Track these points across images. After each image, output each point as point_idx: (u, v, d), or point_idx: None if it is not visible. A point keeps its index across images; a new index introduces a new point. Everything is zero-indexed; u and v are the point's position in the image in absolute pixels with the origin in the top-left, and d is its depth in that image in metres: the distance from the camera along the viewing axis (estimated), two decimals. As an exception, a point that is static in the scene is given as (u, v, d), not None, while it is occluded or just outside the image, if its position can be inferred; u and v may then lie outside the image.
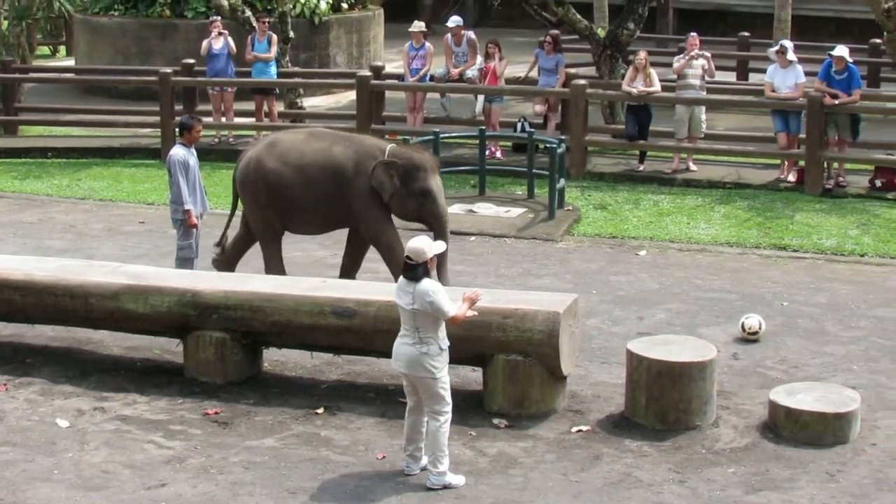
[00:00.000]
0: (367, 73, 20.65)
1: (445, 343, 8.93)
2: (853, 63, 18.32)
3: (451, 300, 8.86)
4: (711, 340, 11.08)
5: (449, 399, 8.96)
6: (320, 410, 10.25)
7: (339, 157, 12.57)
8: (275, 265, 12.89)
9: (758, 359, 11.49)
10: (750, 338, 11.94)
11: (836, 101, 17.79)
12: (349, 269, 13.09)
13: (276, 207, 12.71)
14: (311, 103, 23.41)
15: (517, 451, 9.50)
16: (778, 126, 18.45)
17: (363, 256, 13.17)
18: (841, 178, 18.09)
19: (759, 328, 11.97)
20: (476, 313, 9.22)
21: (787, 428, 9.71)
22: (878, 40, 22.62)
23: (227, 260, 13.16)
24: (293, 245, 15.17)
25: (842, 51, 18.04)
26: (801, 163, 18.13)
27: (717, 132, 20.07)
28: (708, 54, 19.28)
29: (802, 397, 9.86)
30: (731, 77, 24.07)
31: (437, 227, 12.65)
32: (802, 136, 18.12)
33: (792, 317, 12.66)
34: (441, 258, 12.25)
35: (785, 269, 14.44)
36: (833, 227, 15.98)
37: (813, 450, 9.50)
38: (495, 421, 10.02)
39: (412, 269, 8.87)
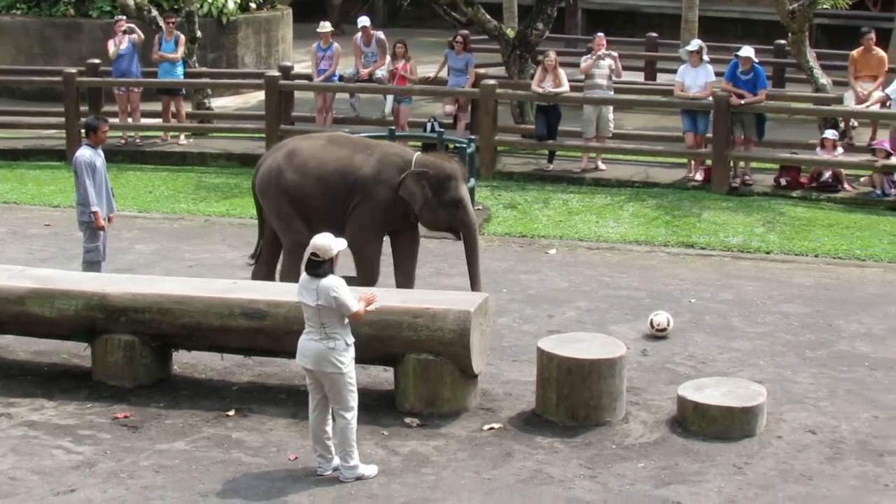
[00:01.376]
0: (276, 73, 20.59)
1: (351, 339, 8.95)
2: (759, 63, 18.57)
3: (354, 299, 8.88)
4: (621, 337, 11.18)
5: (355, 396, 8.98)
6: (231, 413, 10.20)
7: (360, 166, 12.30)
8: (291, 277, 12.13)
9: (666, 355, 11.62)
10: (658, 334, 12.07)
11: (742, 101, 18.04)
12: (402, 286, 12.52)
13: (301, 216, 12.36)
14: (219, 104, 23.28)
15: (429, 450, 9.53)
16: (686, 125, 18.67)
17: (414, 266, 12.73)
18: (747, 177, 18.33)
19: (668, 325, 12.10)
20: (374, 309, 9.24)
21: (696, 422, 9.83)
22: (783, 41, 22.93)
23: (265, 271, 12.78)
24: (202, 247, 15.14)
25: (748, 51, 18.30)
26: (708, 162, 18.35)
27: (625, 132, 20.26)
28: (615, 54, 19.45)
29: (710, 392, 9.99)
30: (639, 77, 24.30)
31: (468, 236, 12.49)
32: (709, 135, 18.35)
33: (699, 313, 12.82)
34: (473, 263, 12.34)
35: (692, 267, 14.61)
36: (739, 225, 16.20)
37: (721, 443, 9.63)
38: (407, 420, 10.04)
39: (318, 266, 8.88)
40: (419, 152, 12.75)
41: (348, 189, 12.22)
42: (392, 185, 12.14)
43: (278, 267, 12.71)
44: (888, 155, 17.74)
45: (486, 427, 9.95)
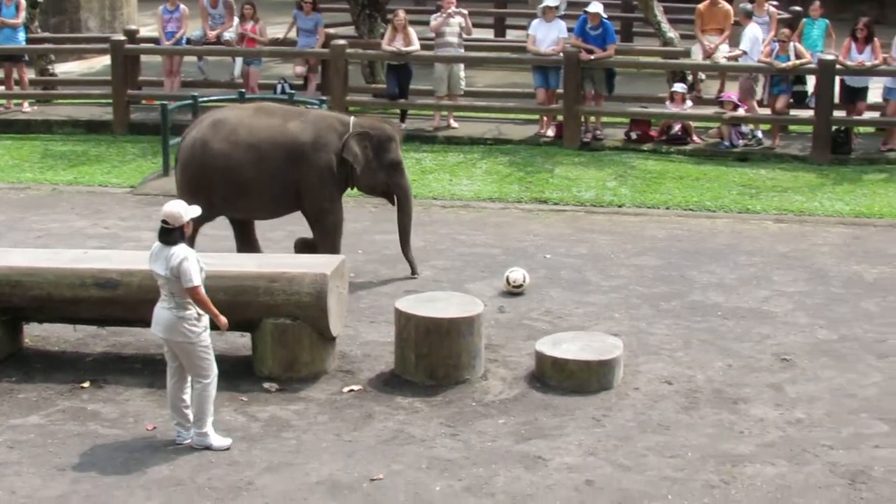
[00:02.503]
0: (121, 37, 20.18)
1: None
2: (607, 19, 18.72)
3: (198, 273, 8.70)
4: (478, 295, 11.23)
5: (212, 364, 8.87)
6: (86, 384, 10.02)
7: (296, 133, 12.00)
8: None
9: (523, 311, 11.70)
10: (515, 291, 12.14)
11: (592, 57, 18.16)
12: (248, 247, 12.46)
13: (221, 194, 11.91)
14: (63, 69, 22.74)
15: (289, 414, 9.47)
16: (537, 82, 18.74)
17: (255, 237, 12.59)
18: (598, 132, 18.49)
19: (524, 281, 12.18)
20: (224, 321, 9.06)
21: (554, 377, 9.92)
22: (631, -5, 23.16)
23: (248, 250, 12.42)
24: (50, 217, 14.84)
25: (596, 7, 18.43)
26: (560, 117, 18.47)
27: (477, 89, 20.30)
28: (465, 12, 19.43)
29: (567, 347, 10.09)
30: (489, 34, 24.35)
31: (403, 200, 12.46)
32: (560, 91, 18.46)
33: (554, 269, 12.92)
34: (405, 228, 12.41)
35: (546, 222, 14.72)
36: (591, 180, 16.35)
37: (579, 397, 9.73)
38: (266, 385, 9.96)
39: (169, 233, 8.73)
40: (354, 115, 12.63)
41: (284, 158, 11.92)
42: (333, 149, 11.98)
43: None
44: (736, 107, 18.05)
45: (345, 389, 9.92)
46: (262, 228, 12.91)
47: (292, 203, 12.20)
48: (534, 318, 11.53)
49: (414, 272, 12.62)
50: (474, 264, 12.98)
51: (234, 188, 11.94)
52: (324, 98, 18.05)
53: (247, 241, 12.51)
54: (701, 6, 19.59)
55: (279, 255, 12.03)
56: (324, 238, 12.19)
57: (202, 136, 12.01)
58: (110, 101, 19.51)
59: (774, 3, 20.26)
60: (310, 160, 11.93)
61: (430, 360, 9.95)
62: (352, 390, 9.91)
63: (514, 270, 12.28)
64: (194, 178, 11.98)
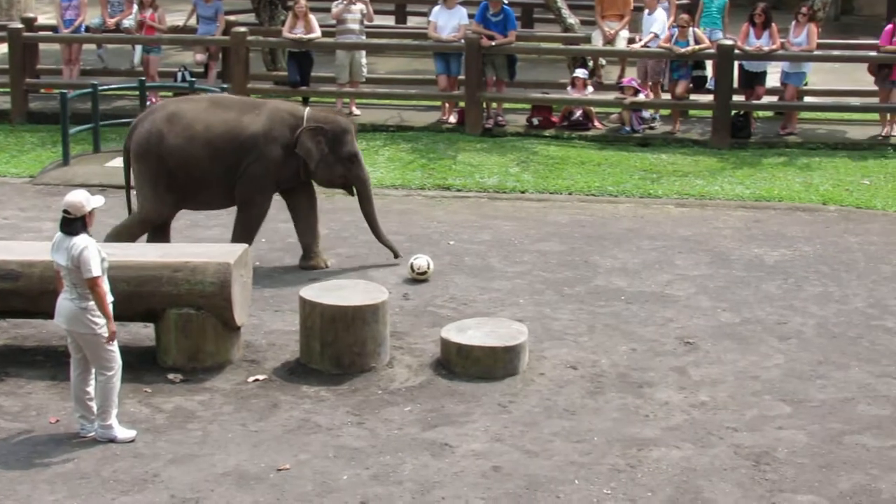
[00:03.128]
0: (19, 24, 19.85)
1: (108, 298, 8.71)
2: (508, 5, 18.75)
3: (99, 264, 8.58)
4: (382, 283, 11.22)
5: (115, 355, 8.75)
6: (-14, 377, 9.87)
7: (249, 125, 11.96)
8: (127, 240, 11.80)
9: (428, 298, 11.70)
10: (419, 278, 12.13)
11: (493, 43, 18.19)
12: (308, 242, 12.53)
13: (179, 186, 11.92)
14: (-42, 58, 22.33)
15: (194, 405, 9.39)
16: (439, 68, 18.74)
17: (316, 219, 12.55)
18: (500, 118, 18.53)
19: (428, 268, 12.18)
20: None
21: (459, 364, 9.93)
22: (531, -18, 23.23)
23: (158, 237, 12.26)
24: (-53, 207, 14.56)
25: (497, -7, 18.45)
26: (462, 104, 18.48)
27: (379, 76, 20.27)
28: (367, -2, 19.38)
29: (473, 333, 10.10)
30: (390, 21, 24.29)
31: (363, 191, 12.45)
32: (462, 77, 18.47)
33: (459, 255, 12.93)
34: (372, 217, 12.49)
35: (450, 209, 14.73)
36: (494, 166, 16.39)
37: (485, 383, 9.75)
38: (170, 376, 9.87)
39: (70, 223, 8.61)
40: (308, 108, 12.57)
41: (238, 150, 11.90)
42: (284, 143, 11.95)
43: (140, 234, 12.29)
44: (636, 92, 18.20)
45: (250, 379, 9.86)
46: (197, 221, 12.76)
47: None
48: (439, 305, 11.53)
49: (396, 255, 12.68)
50: (378, 252, 12.93)
51: (193, 182, 11.97)
52: (224, 86, 17.89)
53: (161, 235, 12.36)
54: (607, -9, 19.68)
55: (182, 244, 11.92)
56: (243, 227, 12.22)
57: (157, 129, 11.94)
58: (8, 90, 19.17)
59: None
60: (260, 151, 11.94)
61: (336, 348, 9.91)
62: (257, 380, 9.85)
63: (418, 258, 12.28)
64: (152, 171, 11.96)
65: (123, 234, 12.02)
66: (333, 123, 12.20)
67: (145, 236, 12.25)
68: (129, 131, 12.26)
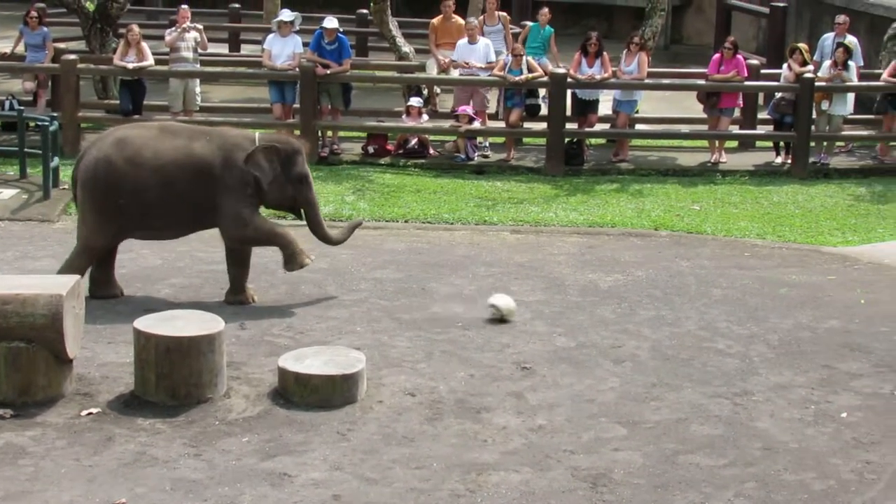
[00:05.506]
0: None
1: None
2: (343, 33, 18.78)
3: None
4: (218, 313, 11.06)
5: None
6: None
7: (203, 154, 11.72)
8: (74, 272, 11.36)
9: (265, 327, 11.60)
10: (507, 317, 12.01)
11: (328, 71, 18.18)
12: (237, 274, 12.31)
13: (126, 214, 11.67)
14: None
15: (25, 441, 9.15)
16: (274, 97, 18.67)
17: (249, 250, 12.36)
18: (335, 146, 18.52)
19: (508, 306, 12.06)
20: None
21: (297, 393, 9.86)
22: (365, 11, 23.30)
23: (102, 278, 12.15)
24: None
25: (332, 22, 18.48)
26: (297, 132, 18.41)
27: (213, 104, 20.11)
28: (200, 27, 19.24)
29: (310, 362, 10.03)
30: (224, 49, 24.15)
31: (311, 214, 12.33)
32: (297, 106, 18.42)
33: (295, 284, 12.85)
34: (326, 236, 12.56)
35: (287, 238, 14.61)
36: (330, 194, 16.35)
37: (324, 412, 9.69)
38: (0, 411, 9.61)
39: None
40: (259, 131, 12.45)
41: (192, 180, 11.70)
42: (240, 167, 11.80)
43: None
44: (471, 120, 18.33)
45: (84, 412, 9.65)
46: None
47: (201, 222, 12.15)
48: (276, 334, 11.44)
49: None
50: (213, 282, 12.79)
51: (141, 210, 11.77)
52: (54, 115, 17.58)
53: (106, 267, 12.28)
54: (434, 21, 19.88)
55: (12, 275, 11.64)
56: (273, 241, 12.24)
57: (105, 156, 11.73)
58: None
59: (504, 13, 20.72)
60: (222, 183, 11.80)
61: (171, 379, 9.76)
62: (90, 413, 9.65)
63: (501, 297, 12.13)
64: (100, 199, 11.76)
65: (70, 268, 11.79)
66: (286, 144, 12.16)
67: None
68: (77, 160, 12.12)
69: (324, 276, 13.11)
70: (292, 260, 12.18)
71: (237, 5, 26.35)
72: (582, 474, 8.83)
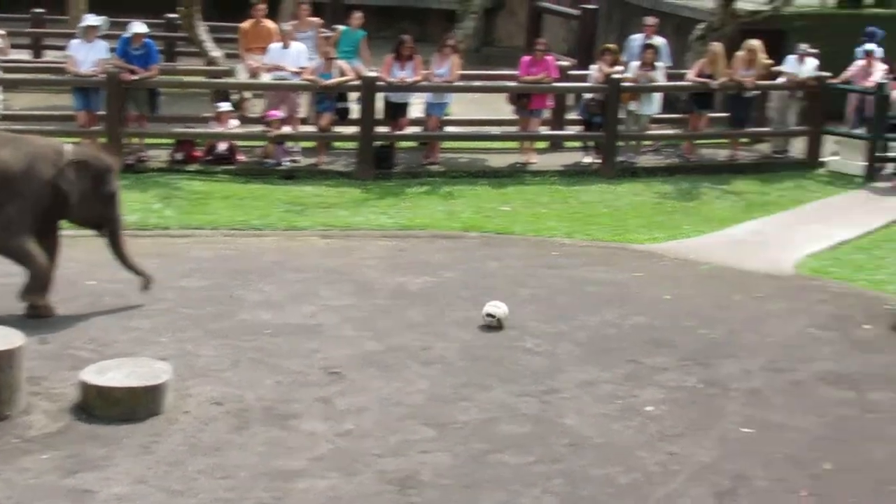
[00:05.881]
0: None
1: None
2: (150, 38, 18.47)
3: None
4: (19, 327, 10.73)
5: None
6: None
7: (6, 161, 11.25)
8: None
9: (66, 341, 11.29)
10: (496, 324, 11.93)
11: (135, 77, 17.87)
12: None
13: None
14: None
15: None
16: (78, 104, 18.29)
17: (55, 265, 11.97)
18: (142, 154, 18.21)
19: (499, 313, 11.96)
20: None
21: (100, 406, 9.62)
22: (174, 15, 22.98)
23: None
24: None
25: (139, 27, 18.16)
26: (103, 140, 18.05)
27: (15, 112, 19.58)
28: (3, 32, 18.77)
29: (113, 375, 9.80)
30: (25, 55, 23.58)
31: (115, 231, 11.99)
32: (103, 113, 18.06)
33: (98, 295, 12.56)
34: (126, 255, 12.17)
35: (88, 248, 14.15)
36: (136, 203, 16.03)
37: (127, 425, 9.46)
38: None
39: None
40: (68, 143, 12.00)
41: None
42: (44, 179, 11.38)
43: None
44: (281, 124, 18.18)
45: None
46: None
47: None
48: (78, 347, 11.15)
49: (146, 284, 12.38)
50: (12, 295, 12.43)
51: None
52: None
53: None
54: (244, 25, 19.70)
55: None
56: (26, 263, 11.78)
57: None
58: None
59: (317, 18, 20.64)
60: (17, 189, 11.40)
61: (-33, 397, 9.46)
62: None
63: (496, 306, 12.03)
64: None
65: None
66: (98, 160, 11.84)
67: None
68: None
69: (127, 286, 12.81)
70: (32, 293, 11.82)
71: (40, 10, 25.74)
72: (389, 477, 8.79)
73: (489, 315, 12.01)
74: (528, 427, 9.73)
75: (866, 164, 19.48)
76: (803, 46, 20.21)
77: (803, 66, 19.96)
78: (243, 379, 10.51)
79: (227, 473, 8.79)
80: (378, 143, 18.32)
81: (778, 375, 11.03)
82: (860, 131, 19.90)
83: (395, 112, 18.71)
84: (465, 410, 10.02)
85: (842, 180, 19.30)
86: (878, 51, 20.76)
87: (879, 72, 19.78)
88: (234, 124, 18.44)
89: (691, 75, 19.63)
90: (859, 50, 20.53)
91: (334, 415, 9.84)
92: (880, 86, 19.23)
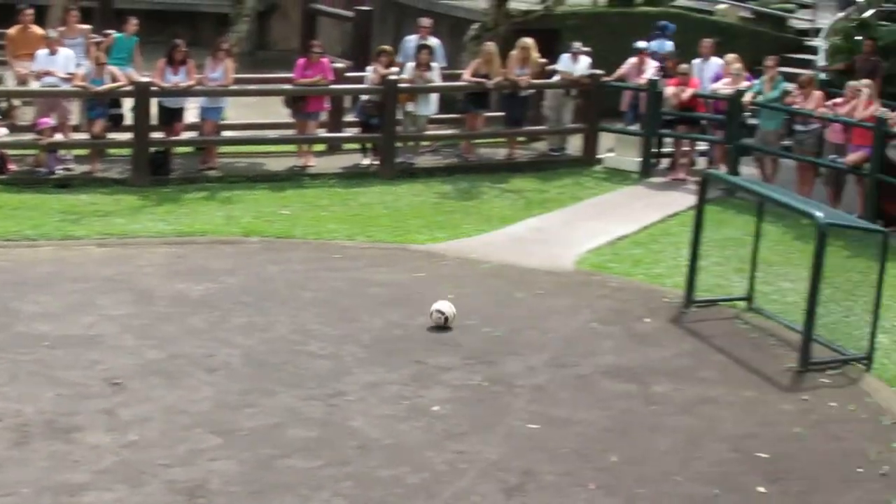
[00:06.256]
0: None
1: None
2: None
3: None
4: None
5: None
6: None
7: None
8: None
9: None
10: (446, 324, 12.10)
11: None
12: None
13: None
14: None
15: None
16: None
17: None
18: None
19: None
20: None
21: None
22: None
23: None
24: None
25: None
26: None
27: None
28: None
29: None
30: None
31: None
32: None
33: None
34: None
35: None
36: None
37: None
38: None
39: None
40: None
41: None
42: None
43: None
44: (52, 132, 17.73)
45: None
46: None
47: None
48: None
49: None
50: None
51: None
52: None
53: None
54: (11, 31, 19.20)
55: None
56: None
57: None
58: None
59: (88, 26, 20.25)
60: None
61: None
62: None
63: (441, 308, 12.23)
64: None
65: None
66: None
67: None
68: None
69: None
70: None
71: None
72: (178, 487, 8.69)
73: (439, 311, 12.22)
74: (316, 431, 9.72)
75: (641, 160, 19.97)
76: (577, 45, 20.61)
77: (577, 64, 20.35)
78: (22, 393, 10.24)
79: (9, 490, 8.57)
80: (153, 149, 18.02)
81: (562, 371, 11.25)
82: (635, 128, 20.38)
83: (170, 117, 18.43)
84: (252, 416, 9.96)
85: (618, 176, 19.75)
86: (669, 44, 21.48)
87: (651, 69, 20.29)
88: (2, 133, 17.91)
89: (467, 75, 19.84)
90: (643, 44, 21.10)
91: (118, 426, 9.67)
92: (652, 82, 19.72)
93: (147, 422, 9.76)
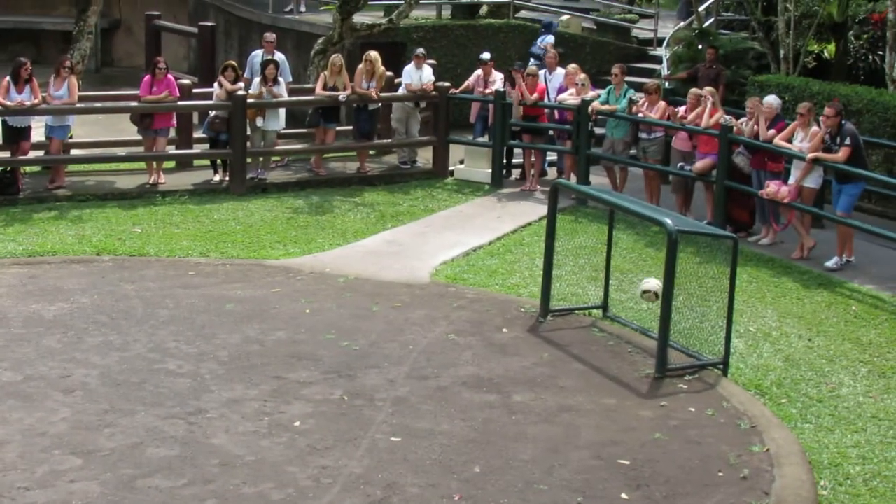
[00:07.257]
0: None
1: None
2: None
3: None
4: None
5: None
6: None
7: None
8: None
9: None
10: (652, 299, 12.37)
11: None
12: None
13: None
14: None
15: None
16: None
17: None
18: None
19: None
20: None
21: None
22: None
23: None
24: None
25: None
26: None
27: None
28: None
29: None
30: None
31: None
32: None
33: None
34: None
35: None
36: None
37: None
38: None
39: None
40: None
41: None
42: None
43: None
44: None
45: None
46: None
47: None
48: None
49: None
50: None
51: None
52: None
53: None
54: None
55: None
56: None
57: None
58: None
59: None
60: None
61: None
62: None
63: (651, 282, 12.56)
64: None
65: None
66: None
67: None
68: None
69: None
70: None
71: None
72: (38, 510, 8.58)
73: (645, 292, 12.47)
74: (177, 449, 9.65)
75: (492, 171, 20.17)
76: (420, 51, 20.79)
77: (421, 72, 20.47)
78: None
79: None
80: (1, 168, 17.71)
81: (422, 383, 11.32)
82: (484, 139, 20.57)
83: (17, 136, 18.13)
84: (111, 437, 9.85)
85: (470, 188, 19.92)
86: (550, 38, 22.08)
87: (497, 80, 20.50)
88: None
89: (318, 89, 19.84)
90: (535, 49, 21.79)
91: (-26, 451, 9.50)
92: (500, 94, 19.93)
93: (5, 445, 9.59)
